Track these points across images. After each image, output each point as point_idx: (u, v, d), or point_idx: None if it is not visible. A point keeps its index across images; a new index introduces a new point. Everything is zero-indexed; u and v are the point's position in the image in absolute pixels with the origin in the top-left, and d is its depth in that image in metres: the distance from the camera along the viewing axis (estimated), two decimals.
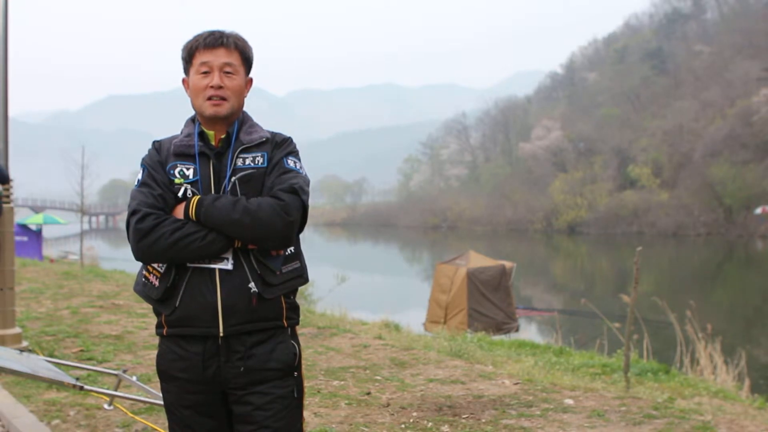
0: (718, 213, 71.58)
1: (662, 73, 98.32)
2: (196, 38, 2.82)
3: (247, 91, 2.93)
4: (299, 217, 2.72)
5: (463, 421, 5.59)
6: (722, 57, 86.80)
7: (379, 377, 6.98)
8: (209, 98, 2.76)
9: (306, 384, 6.61)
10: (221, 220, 2.63)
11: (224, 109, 2.77)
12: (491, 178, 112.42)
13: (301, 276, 2.88)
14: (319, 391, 6.39)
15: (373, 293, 33.74)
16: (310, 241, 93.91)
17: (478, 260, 21.78)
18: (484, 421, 5.58)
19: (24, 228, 29.58)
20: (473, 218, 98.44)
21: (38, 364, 5.20)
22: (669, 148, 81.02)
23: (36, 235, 30.02)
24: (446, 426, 5.47)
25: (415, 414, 5.77)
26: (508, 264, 22.30)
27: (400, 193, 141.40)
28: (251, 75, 2.95)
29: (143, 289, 2.81)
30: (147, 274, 2.79)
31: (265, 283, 2.71)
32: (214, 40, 2.79)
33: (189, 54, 2.83)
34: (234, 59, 2.80)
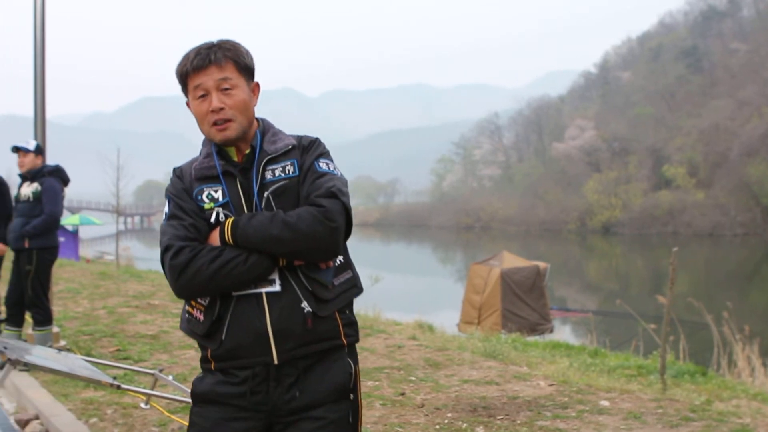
0: (755, 213, 70.76)
1: (697, 71, 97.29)
2: (185, 61, 2.58)
3: (256, 98, 2.70)
4: (343, 221, 2.52)
5: (498, 422, 5.57)
6: (759, 55, 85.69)
7: (413, 378, 6.98)
8: (214, 123, 2.55)
9: None
10: (260, 239, 2.44)
11: (232, 131, 2.56)
12: (524, 178, 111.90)
13: (355, 286, 2.69)
14: None
15: (407, 294, 33.72)
16: None
17: (511, 261, 21.69)
18: (519, 422, 5.56)
19: (61, 229, 29.87)
20: (506, 218, 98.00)
21: (76, 363, 5.26)
22: (705, 147, 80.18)
23: (73, 235, 30.33)
24: (481, 427, 5.46)
25: (449, 415, 5.76)
26: (542, 265, 22.18)
27: (433, 193, 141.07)
28: (256, 79, 2.70)
29: (188, 326, 2.62)
30: (190, 309, 2.60)
31: (318, 300, 2.51)
32: (202, 60, 2.54)
33: (182, 80, 2.61)
34: (229, 72, 2.56)
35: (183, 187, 2.63)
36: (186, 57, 2.58)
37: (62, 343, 8.13)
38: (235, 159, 2.62)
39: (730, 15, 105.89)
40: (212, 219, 2.55)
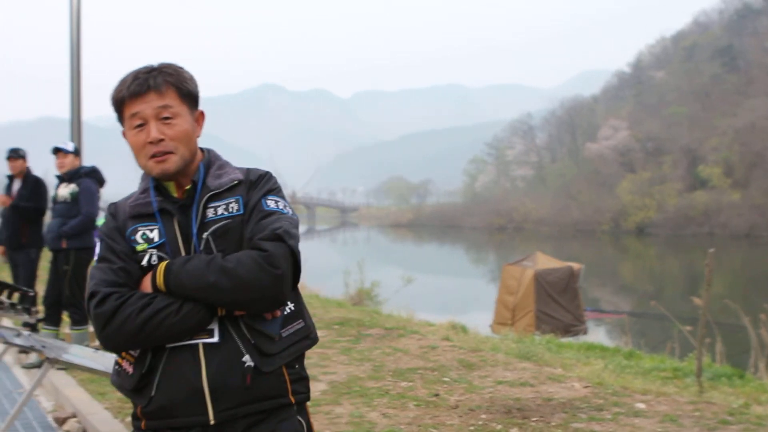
0: None
1: (733, 70, 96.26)
2: (121, 86, 2.32)
3: (200, 129, 2.45)
4: (289, 267, 2.23)
5: (533, 424, 5.55)
6: None
7: (447, 379, 6.97)
8: (152, 156, 2.29)
9: (374, 385, 6.64)
10: (195, 287, 2.17)
11: (171, 164, 2.30)
12: (557, 178, 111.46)
13: (307, 337, 2.39)
14: (387, 392, 6.41)
15: (440, 294, 33.71)
16: (375, 242, 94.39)
17: (545, 262, 21.59)
18: (553, 424, 5.53)
19: (97, 229, 30.17)
20: (539, 219, 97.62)
21: (112, 362, 5.31)
22: (741, 147, 79.32)
23: None
24: (515, 429, 5.44)
25: (483, 416, 5.74)
26: (575, 265, 22.06)
27: (465, 194, 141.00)
28: (201, 108, 2.47)
29: (117, 378, 2.38)
30: (120, 360, 2.35)
31: (261, 353, 2.23)
32: (140, 86, 2.28)
33: (117, 107, 2.34)
34: (170, 100, 2.30)
35: (115, 226, 2.39)
36: (122, 82, 2.33)
37: (98, 342, 8.23)
38: (175, 195, 2.37)
39: (766, 13, 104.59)
40: (144, 262, 2.30)
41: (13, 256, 9.08)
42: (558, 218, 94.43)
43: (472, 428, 5.46)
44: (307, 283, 18.22)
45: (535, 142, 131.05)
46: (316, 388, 6.56)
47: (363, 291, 17.77)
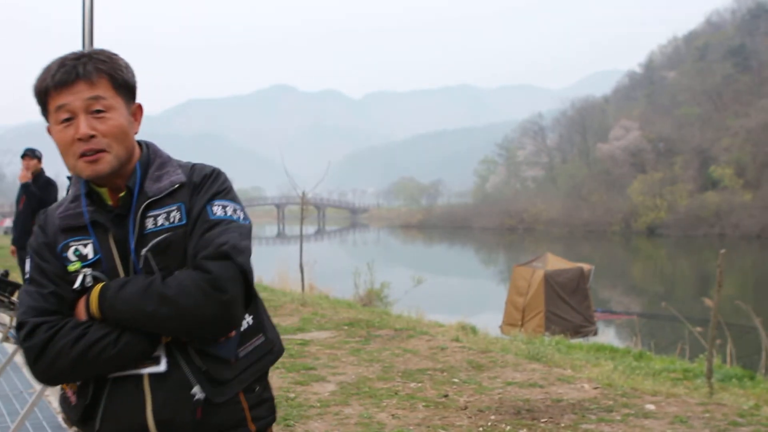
0: None
1: (745, 70, 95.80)
2: (45, 74, 1.98)
3: (138, 124, 2.10)
4: (240, 289, 1.93)
5: (542, 425, 5.55)
6: None
7: (456, 380, 6.97)
8: (82, 155, 1.95)
9: (384, 385, 6.65)
10: (132, 316, 1.89)
11: (105, 164, 1.96)
12: (568, 179, 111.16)
13: (270, 352, 2.12)
14: (396, 393, 6.41)
15: (450, 295, 33.67)
16: (385, 243, 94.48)
17: (555, 262, 21.55)
18: (563, 425, 5.53)
19: None
20: (550, 220, 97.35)
21: None
22: (753, 147, 78.95)
23: None
24: (524, 430, 5.44)
25: (493, 417, 5.75)
26: (586, 266, 22.01)
27: (475, 194, 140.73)
28: (138, 100, 2.11)
29: (63, 404, 2.11)
30: (65, 387, 2.08)
31: (214, 381, 1.97)
32: (67, 74, 1.94)
33: (40, 99, 2.00)
34: (102, 90, 1.96)
35: (45, 242, 2.05)
36: (46, 70, 1.99)
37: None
38: (110, 203, 2.05)
39: None
40: (77, 284, 1.98)
41: (24, 256, 9.15)
42: (568, 219, 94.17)
43: (481, 429, 5.47)
44: (316, 284, 18.26)
45: (545, 143, 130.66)
46: (325, 389, 6.58)
47: (373, 292, 17.77)
